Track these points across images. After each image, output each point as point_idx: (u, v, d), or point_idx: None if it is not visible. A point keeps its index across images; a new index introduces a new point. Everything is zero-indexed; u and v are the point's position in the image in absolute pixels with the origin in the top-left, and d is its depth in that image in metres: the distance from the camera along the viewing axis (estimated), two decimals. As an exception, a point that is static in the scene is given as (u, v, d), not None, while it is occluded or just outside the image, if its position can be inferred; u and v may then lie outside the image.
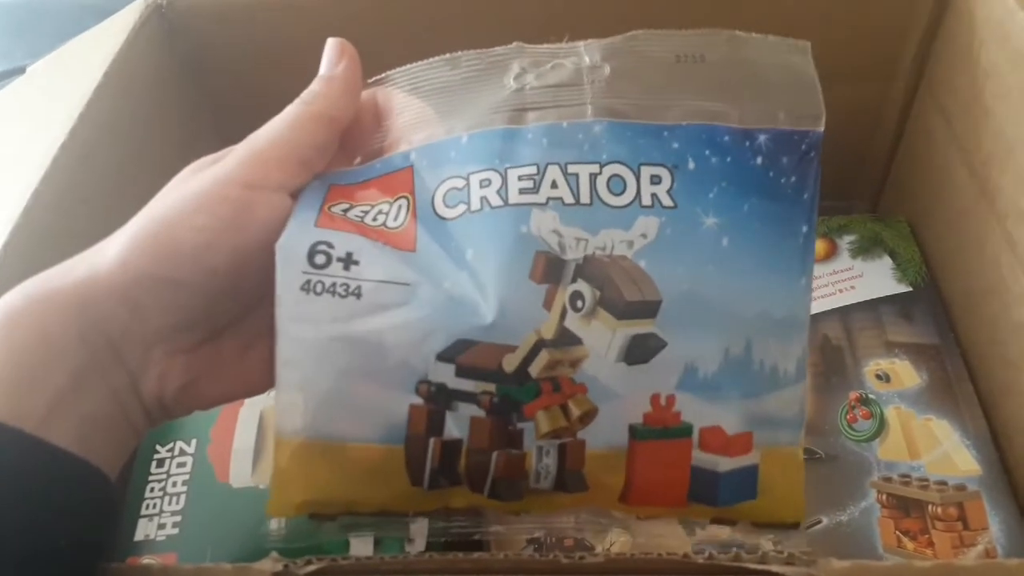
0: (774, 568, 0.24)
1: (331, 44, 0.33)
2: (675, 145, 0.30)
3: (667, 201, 0.29)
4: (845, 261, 0.51)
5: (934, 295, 0.49)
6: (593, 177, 0.29)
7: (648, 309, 0.29)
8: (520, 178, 0.29)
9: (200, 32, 0.50)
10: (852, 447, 0.43)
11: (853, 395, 0.45)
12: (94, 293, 0.28)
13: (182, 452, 0.43)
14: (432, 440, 0.29)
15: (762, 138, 0.30)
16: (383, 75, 0.33)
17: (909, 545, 0.40)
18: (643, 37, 0.31)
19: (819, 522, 0.40)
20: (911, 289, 0.49)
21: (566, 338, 0.29)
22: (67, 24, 0.54)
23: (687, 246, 0.29)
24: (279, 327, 0.29)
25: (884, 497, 0.41)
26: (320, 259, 0.29)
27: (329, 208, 0.30)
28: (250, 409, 0.44)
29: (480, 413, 0.29)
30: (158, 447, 0.43)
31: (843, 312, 0.48)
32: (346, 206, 0.31)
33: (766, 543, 0.40)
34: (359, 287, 0.29)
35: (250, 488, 0.41)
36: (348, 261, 0.29)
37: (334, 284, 0.29)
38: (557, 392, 0.29)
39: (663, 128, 0.30)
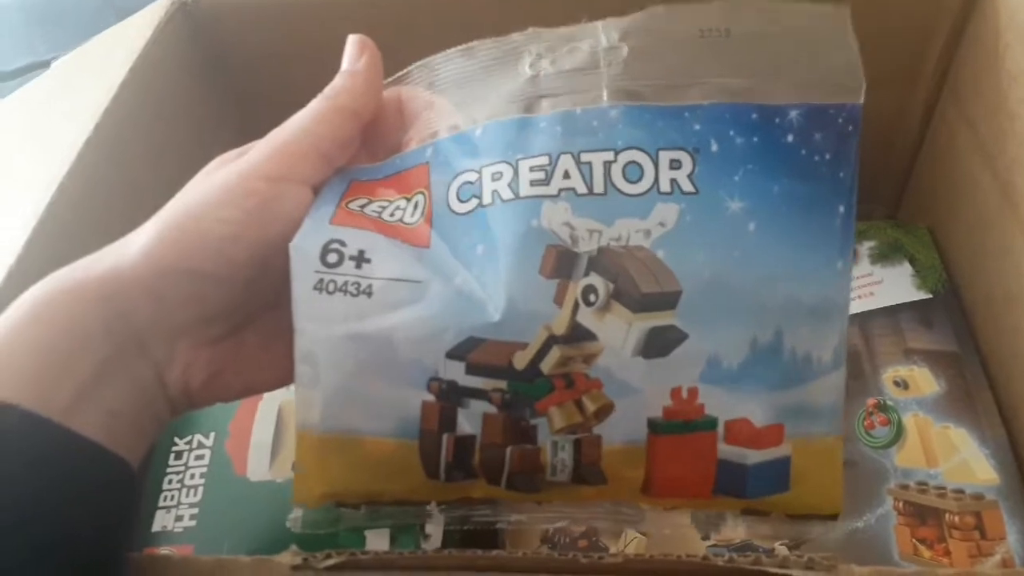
0: (795, 572, 0.24)
1: (352, 40, 0.33)
2: (697, 127, 0.28)
3: (688, 187, 0.28)
4: (865, 267, 0.50)
5: (954, 302, 0.48)
6: (608, 165, 0.28)
7: (667, 300, 0.28)
8: (532, 169, 0.29)
9: (225, 29, 0.50)
10: (869, 453, 0.43)
11: (871, 401, 0.44)
12: (120, 285, 0.28)
13: (200, 445, 0.43)
14: (445, 436, 0.29)
15: (793, 114, 0.28)
16: (404, 71, 0.33)
17: (925, 553, 0.39)
18: (664, 12, 0.29)
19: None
20: (931, 296, 0.48)
21: (579, 333, 0.28)
22: (89, 18, 0.55)
23: (710, 233, 0.28)
24: (296, 325, 0.29)
25: (901, 504, 0.41)
26: (332, 258, 0.29)
27: (347, 204, 0.30)
28: (268, 404, 0.44)
29: (492, 410, 0.29)
30: (176, 440, 0.44)
31: (862, 318, 0.48)
32: (364, 202, 0.31)
33: (781, 548, 0.40)
34: (370, 285, 0.29)
35: (267, 482, 0.41)
36: (360, 259, 0.29)
37: (346, 283, 0.29)
38: (570, 388, 0.28)
39: (684, 109, 0.28)
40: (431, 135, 0.32)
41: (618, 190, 0.28)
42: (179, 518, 0.40)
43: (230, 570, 0.25)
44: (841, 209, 0.29)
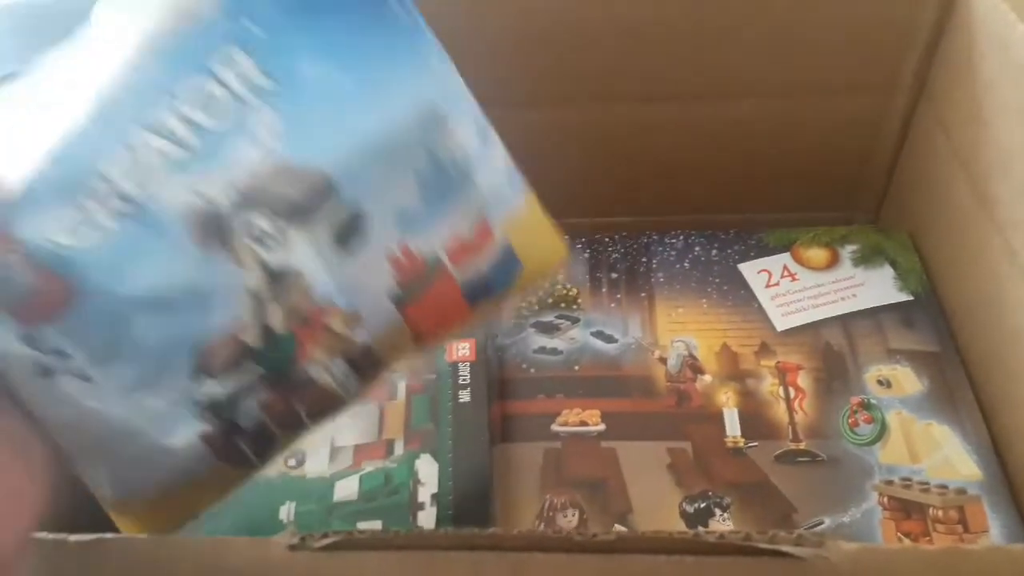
0: (784, 548, 0.24)
1: None
2: (224, 22, 0.27)
3: (263, 81, 0.27)
4: (847, 270, 0.51)
5: (934, 304, 0.49)
6: (178, 112, 0.26)
7: (325, 194, 0.27)
8: (118, 166, 0.26)
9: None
10: (854, 450, 0.43)
11: (855, 400, 0.45)
12: None
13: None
14: (238, 440, 0.29)
15: None
16: None
17: (910, 547, 0.40)
18: None
19: (821, 523, 0.41)
20: (912, 298, 0.49)
21: (278, 277, 0.27)
22: (76, 25, 0.55)
23: (311, 110, 0.27)
24: (38, 413, 0.28)
25: (885, 500, 0.41)
26: (42, 345, 0.28)
27: None
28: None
29: (264, 394, 0.28)
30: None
31: (846, 319, 0.49)
32: None
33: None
34: (87, 374, 0.28)
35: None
36: (62, 354, 0.28)
37: (68, 368, 0.28)
38: (309, 325, 0.28)
39: (202, 11, 0.27)
40: None
41: (207, 129, 0.26)
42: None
43: (228, 549, 0.25)
44: (398, 10, 0.28)
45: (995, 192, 0.44)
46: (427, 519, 0.36)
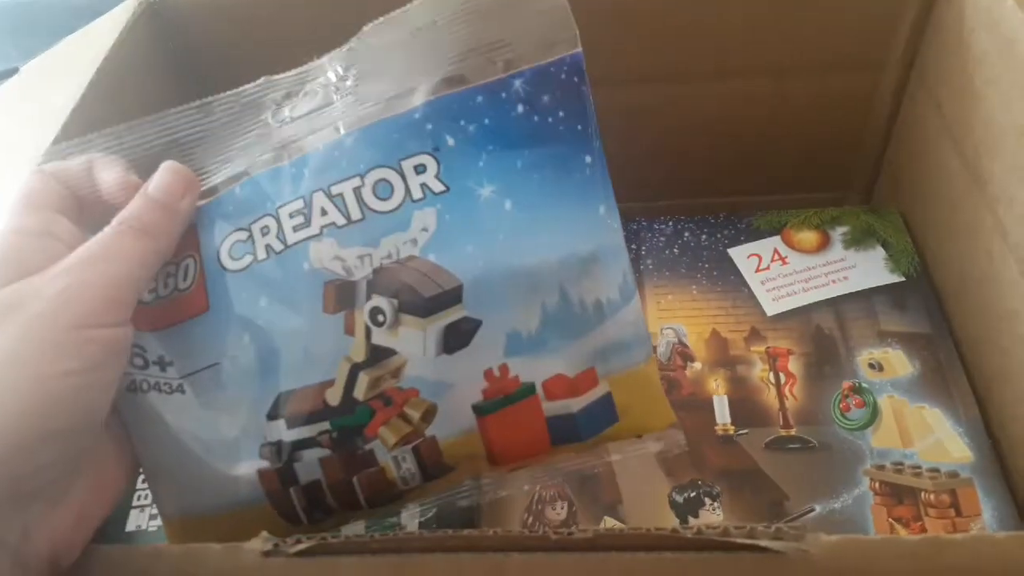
0: (763, 543, 0.24)
1: (173, 172, 0.31)
2: (429, 127, 0.29)
3: (438, 187, 0.29)
4: (838, 252, 0.51)
5: (927, 285, 0.49)
6: (357, 191, 0.29)
7: (451, 297, 0.29)
8: (291, 215, 0.29)
9: (193, 28, 0.50)
10: (845, 435, 0.43)
11: (846, 384, 0.45)
12: None
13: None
14: (292, 490, 0.30)
15: (517, 83, 0.29)
16: (133, 124, 0.31)
17: (902, 532, 0.40)
18: (375, 28, 0.30)
19: (812, 510, 0.40)
20: (904, 279, 0.49)
21: (378, 354, 0.29)
22: (63, 25, 0.54)
23: (470, 224, 0.29)
24: (130, 432, 0.30)
25: (877, 485, 0.41)
26: (138, 361, 0.30)
27: None
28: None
29: (325, 452, 0.30)
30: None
31: (836, 302, 0.48)
32: None
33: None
34: (180, 384, 0.30)
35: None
36: (162, 363, 0.30)
37: (158, 383, 0.30)
38: (390, 405, 0.29)
39: (412, 113, 0.29)
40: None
41: (374, 211, 0.29)
42: (153, 517, 0.40)
43: (200, 558, 0.25)
44: (588, 159, 0.29)
45: (987, 169, 0.43)
46: (409, 517, 0.36)
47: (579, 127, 0.29)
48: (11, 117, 0.47)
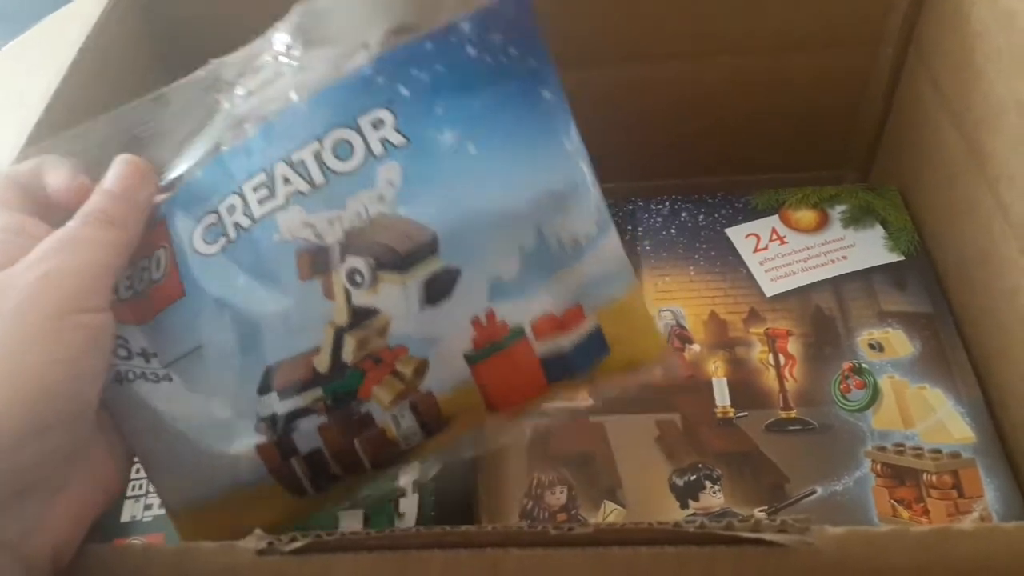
0: (767, 536, 0.23)
1: (127, 164, 0.31)
2: (381, 80, 0.29)
3: (398, 139, 0.28)
4: (837, 231, 0.50)
5: (926, 263, 0.48)
6: (318, 155, 0.29)
7: (426, 249, 0.28)
8: (255, 189, 0.29)
9: (176, 5, 0.49)
10: (846, 417, 0.43)
11: (846, 365, 0.44)
12: None
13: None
14: (292, 460, 0.30)
15: (465, 27, 0.28)
16: (92, 122, 0.31)
17: (904, 514, 0.39)
18: None
19: (814, 492, 0.40)
20: (903, 258, 0.48)
21: (361, 314, 0.29)
22: (51, 9, 0.53)
23: (436, 172, 0.28)
24: (115, 418, 0.30)
25: (878, 466, 0.41)
26: (123, 352, 0.30)
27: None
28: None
29: (322, 419, 0.29)
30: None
31: (835, 282, 0.47)
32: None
33: (760, 515, 0.40)
34: (167, 373, 0.30)
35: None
36: (146, 355, 0.30)
37: (144, 372, 0.30)
38: (380, 364, 0.29)
39: (363, 69, 0.29)
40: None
41: (337, 172, 0.28)
42: (148, 507, 0.40)
43: (194, 557, 0.25)
44: (546, 94, 0.29)
45: (987, 145, 0.42)
46: (408, 505, 0.35)
47: (533, 62, 0.29)
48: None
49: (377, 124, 0.28)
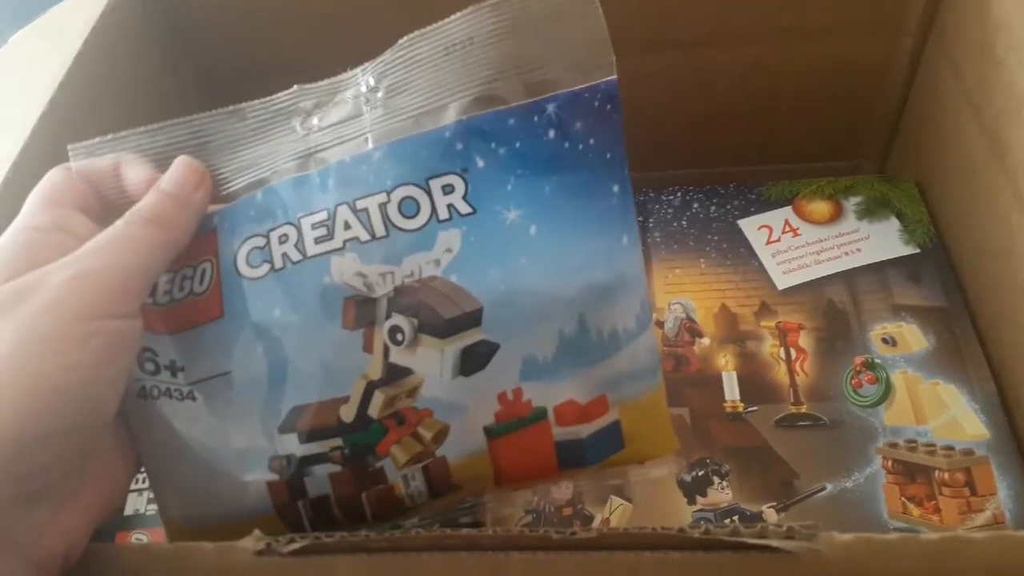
0: (774, 543, 0.23)
1: (186, 166, 0.30)
2: (459, 146, 0.28)
3: (464, 208, 0.28)
4: (851, 223, 0.49)
5: (942, 256, 0.47)
6: (383, 207, 0.28)
7: (470, 319, 0.28)
8: (313, 227, 0.29)
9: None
10: (858, 413, 0.42)
11: (859, 360, 0.44)
12: None
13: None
14: (300, 503, 0.30)
15: (550, 108, 0.28)
16: (164, 124, 0.31)
17: (915, 511, 0.39)
18: (409, 42, 0.29)
19: (823, 489, 0.40)
20: (919, 251, 0.47)
21: (395, 373, 0.29)
22: (55, 0, 0.53)
23: (495, 247, 0.28)
24: (135, 434, 0.30)
25: (890, 463, 0.40)
26: (150, 366, 0.30)
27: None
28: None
29: (336, 468, 0.29)
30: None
31: (849, 276, 0.47)
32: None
33: (769, 512, 0.39)
34: (191, 391, 0.30)
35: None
36: (174, 368, 0.30)
37: (168, 389, 0.30)
38: (403, 424, 0.29)
39: (443, 131, 0.28)
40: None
41: (399, 228, 0.28)
42: (151, 500, 0.39)
43: (192, 557, 0.24)
44: (615, 188, 0.29)
45: (1008, 137, 0.41)
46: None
47: (609, 155, 0.29)
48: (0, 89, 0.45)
49: (447, 189, 0.28)
